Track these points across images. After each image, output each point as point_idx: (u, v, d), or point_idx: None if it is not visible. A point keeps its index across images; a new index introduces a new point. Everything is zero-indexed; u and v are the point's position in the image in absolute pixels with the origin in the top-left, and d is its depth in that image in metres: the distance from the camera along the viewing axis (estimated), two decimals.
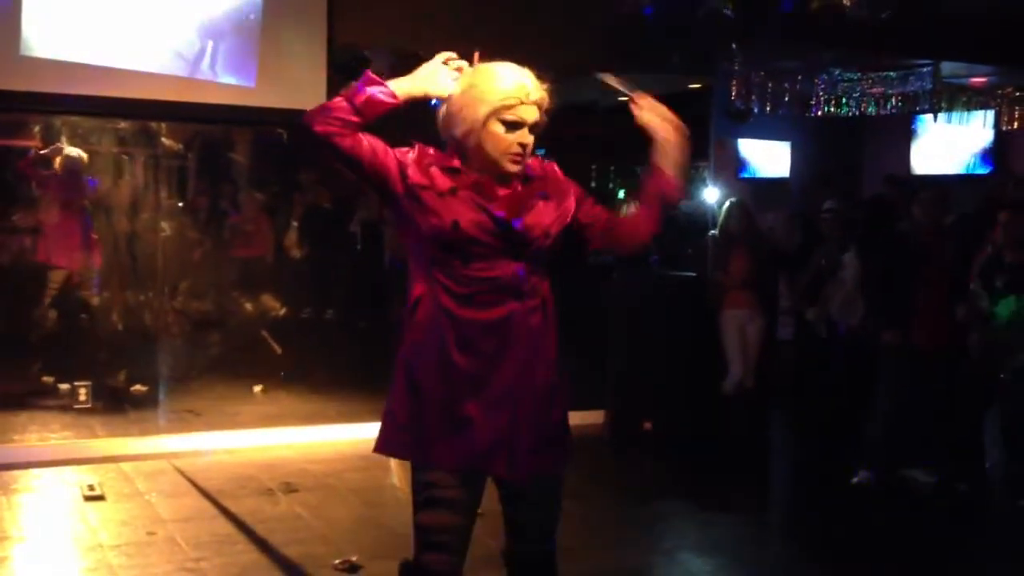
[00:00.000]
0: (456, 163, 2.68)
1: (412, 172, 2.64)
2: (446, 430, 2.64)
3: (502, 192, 2.67)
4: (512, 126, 2.64)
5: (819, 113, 8.58)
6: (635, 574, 4.70)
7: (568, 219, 2.76)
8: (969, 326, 5.78)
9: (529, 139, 2.67)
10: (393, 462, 5.16)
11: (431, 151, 2.71)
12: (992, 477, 5.83)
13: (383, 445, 2.80)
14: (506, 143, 2.64)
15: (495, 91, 2.63)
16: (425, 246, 2.64)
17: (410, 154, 2.68)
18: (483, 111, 2.62)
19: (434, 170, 2.65)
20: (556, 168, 2.83)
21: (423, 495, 2.71)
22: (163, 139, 9.48)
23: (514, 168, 2.67)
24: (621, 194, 11.05)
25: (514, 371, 2.63)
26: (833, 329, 7.06)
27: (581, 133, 10.70)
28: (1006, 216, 5.63)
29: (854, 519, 5.63)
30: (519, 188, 2.71)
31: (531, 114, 2.66)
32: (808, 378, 7.70)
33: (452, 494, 2.67)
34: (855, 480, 6.07)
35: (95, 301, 7.81)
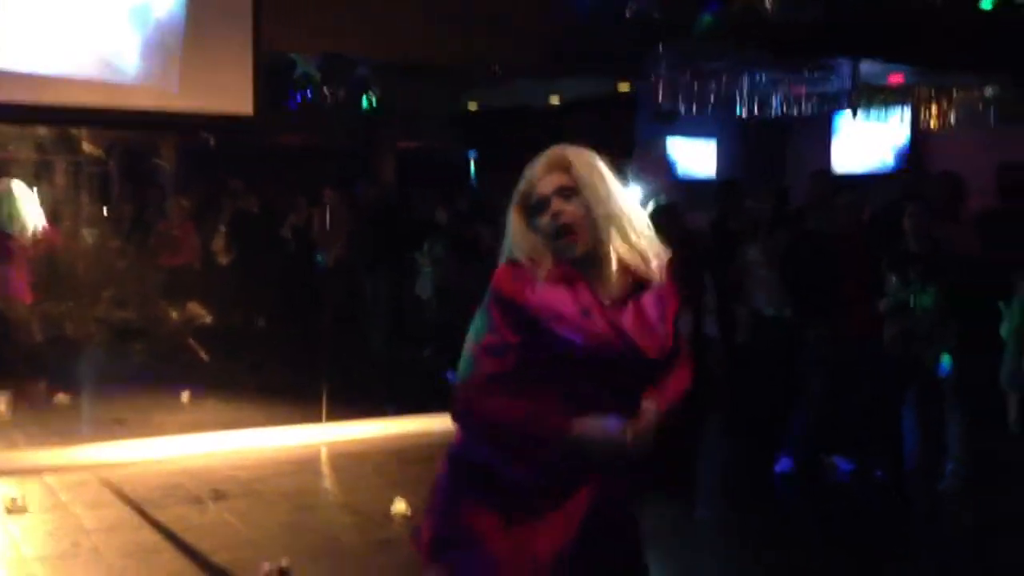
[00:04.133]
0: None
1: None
2: None
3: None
4: (537, 209, 2.39)
5: (743, 113, 8.70)
6: None
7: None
8: (887, 317, 5.91)
9: (565, 207, 2.36)
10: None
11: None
12: (910, 464, 5.96)
13: None
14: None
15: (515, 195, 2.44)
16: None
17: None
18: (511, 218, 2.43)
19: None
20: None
21: None
22: (84, 145, 9.35)
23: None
24: None
25: None
26: (758, 323, 7.15)
27: (520, 136, 10.74)
28: (912, 209, 5.80)
29: (773, 505, 5.75)
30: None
31: (547, 186, 2.38)
32: (735, 373, 7.80)
33: None
34: (778, 468, 6.18)
35: (15, 310, 7.63)
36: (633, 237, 2.40)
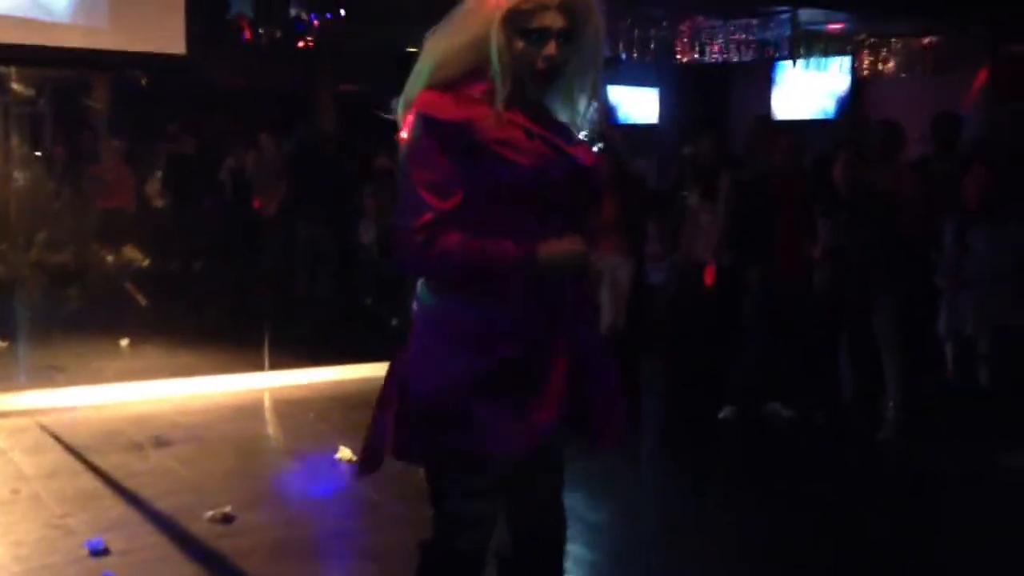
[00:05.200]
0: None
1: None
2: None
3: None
4: (531, 36, 2.24)
5: (683, 60, 8.71)
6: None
7: None
8: (820, 261, 6.01)
9: (560, 51, 2.25)
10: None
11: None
12: (850, 408, 6.09)
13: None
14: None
15: None
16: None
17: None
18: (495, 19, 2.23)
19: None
20: None
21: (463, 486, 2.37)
22: (13, 85, 9.08)
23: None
24: None
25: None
26: (698, 272, 7.21)
27: None
28: (841, 155, 5.89)
29: (716, 452, 5.86)
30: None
31: (553, 21, 2.23)
32: (678, 320, 7.88)
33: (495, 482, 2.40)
34: (721, 415, 6.28)
35: None
36: (589, 112, 2.38)
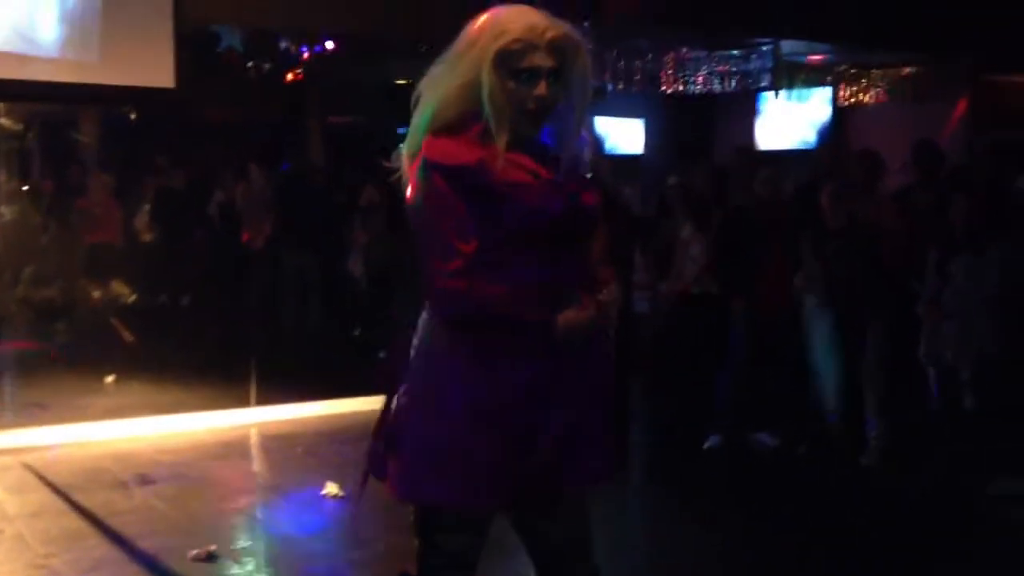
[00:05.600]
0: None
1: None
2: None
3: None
4: (521, 76, 2.27)
5: (668, 91, 8.78)
6: (492, 543, 4.76)
7: None
8: (805, 292, 6.03)
9: (550, 91, 2.28)
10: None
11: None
12: (833, 437, 6.10)
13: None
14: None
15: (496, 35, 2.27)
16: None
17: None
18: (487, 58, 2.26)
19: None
20: None
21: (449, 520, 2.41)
22: (1, 119, 9.13)
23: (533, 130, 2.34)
24: None
25: None
26: (689, 301, 7.23)
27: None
28: (830, 186, 5.93)
29: (701, 481, 5.86)
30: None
31: (543, 61, 2.27)
32: (664, 350, 7.90)
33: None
34: (706, 445, 6.29)
35: None
36: (579, 147, 2.43)
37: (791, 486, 5.77)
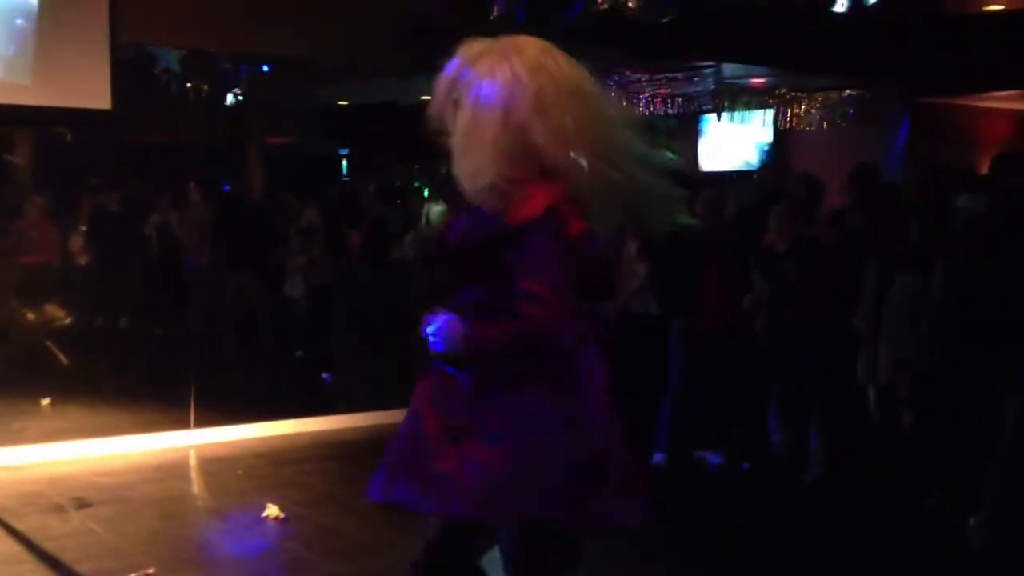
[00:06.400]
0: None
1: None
2: None
3: None
4: None
5: None
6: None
7: None
8: (755, 313, 6.09)
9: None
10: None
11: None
12: (776, 454, 6.15)
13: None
14: None
15: None
16: None
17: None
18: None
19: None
20: None
21: None
22: None
23: None
24: (426, 192, 11.10)
25: None
26: (630, 320, 7.25)
27: (386, 132, 10.67)
28: (777, 208, 6.01)
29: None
30: None
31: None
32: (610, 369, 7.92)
33: None
34: (651, 463, 6.31)
35: None
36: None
37: (734, 504, 5.81)
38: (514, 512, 2.47)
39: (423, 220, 9.51)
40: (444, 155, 2.58)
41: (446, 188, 8.50)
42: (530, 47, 2.51)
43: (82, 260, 9.92)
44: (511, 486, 2.44)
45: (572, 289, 2.45)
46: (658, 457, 6.31)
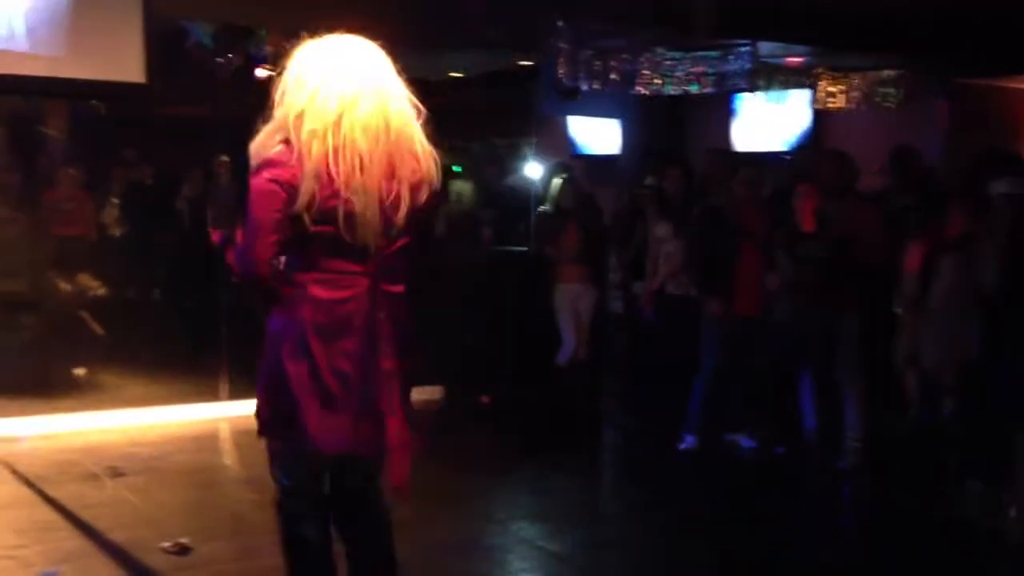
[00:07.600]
0: None
1: None
2: None
3: None
4: None
5: (644, 91, 8.76)
6: (470, 543, 4.74)
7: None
8: (779, 293, 6.04)
9: None
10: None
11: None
12: (810, 439, 6.10)
13: None
14: None
15: None
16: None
17: None
18: None
19: None
20: None
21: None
22: None
23: None
24: None
25: None
26: (664, 301, 7.21)
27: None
28: (800, 189, 5.94)
29: (678, 483, 5.84)
30: None
31: None
32: (638, 350, 7.90)
33: None
34: (682, 446, 6.28)
35: None
36: None
37: (766, 490, 5.78)
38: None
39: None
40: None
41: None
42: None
43: (116, 232, 9.98)
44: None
45: (266, 233, 2.78)
46: (690, 440, 6.28)
